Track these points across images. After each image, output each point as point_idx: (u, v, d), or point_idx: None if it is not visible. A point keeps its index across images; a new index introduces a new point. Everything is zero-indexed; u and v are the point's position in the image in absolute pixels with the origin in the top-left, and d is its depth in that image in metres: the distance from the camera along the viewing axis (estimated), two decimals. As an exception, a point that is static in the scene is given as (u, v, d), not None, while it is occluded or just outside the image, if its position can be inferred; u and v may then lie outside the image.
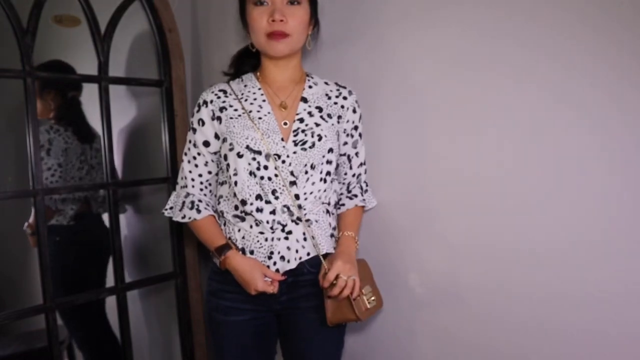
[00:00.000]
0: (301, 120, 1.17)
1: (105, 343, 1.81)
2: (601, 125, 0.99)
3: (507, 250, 1.13)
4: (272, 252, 1.15)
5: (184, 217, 1.25)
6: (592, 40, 0.98)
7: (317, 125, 1.17)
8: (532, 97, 1.07)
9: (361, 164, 1.30)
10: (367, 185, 1.32)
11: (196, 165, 1.26)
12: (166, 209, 1.33)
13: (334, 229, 1.24)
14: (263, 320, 1.21)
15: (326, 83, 1.26)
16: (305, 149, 1.13)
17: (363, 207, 1.30)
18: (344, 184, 1.31)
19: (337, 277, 1.09)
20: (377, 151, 1.33)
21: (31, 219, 1.57)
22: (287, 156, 1.13)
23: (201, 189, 1.28)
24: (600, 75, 0.98)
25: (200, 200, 1.26)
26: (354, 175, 1.30)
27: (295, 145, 1.14)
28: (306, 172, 1.14)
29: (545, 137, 1.06)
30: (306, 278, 1.17)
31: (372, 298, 1.19)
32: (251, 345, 1.22)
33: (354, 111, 1.25)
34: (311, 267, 1.17)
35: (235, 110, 1.17)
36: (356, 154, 1.28)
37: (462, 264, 1.21)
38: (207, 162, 1.25)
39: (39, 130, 1.58)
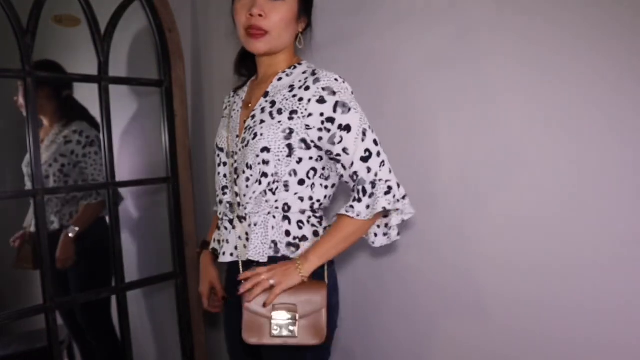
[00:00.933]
0: (253, 116, 1.12)
1: (113, 340, 1.81)
2: (595, 126, 1.00)
3: (504, 245, 1.14)
4: (221, 239, 1.19)
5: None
6: (587, 42, 0.99)
7: (261, 122, 1.09)
8: (527, 97, 1.08)
9: (353, 163, 1.05)
10: (373, 187, 1.05)
11: (220, 169, 1.31)
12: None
13: (295, 238, 1.10)
14: (237, 315, 1.13)
15: (304, 72, 1.12)
16: (244, 147, 1.11)
17: (352, 221, 1.06)
18: (348, 186, 1.11)
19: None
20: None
21: (28, 223, 1.57)
22: (236, 153, 1.14)
23: (223, 188, 1.32)
24: (596, 76, 0.99)
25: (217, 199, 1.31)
26: (350, 176, 1.07)
27: (242, 142, 1.13)
28: (244, 172, 1.10)
29: (545, 137, 1.06)
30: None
31: (291, 328, 1.02)
32: (236, 334, 1.19)
33: (321, 101, 1.04)
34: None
35: (229, 110, 1.24)
36: (343, 150, 1.05)
37: (467, 271, 1.22)
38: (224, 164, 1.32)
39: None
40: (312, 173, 1.10)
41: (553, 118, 1.05)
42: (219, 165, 1.19)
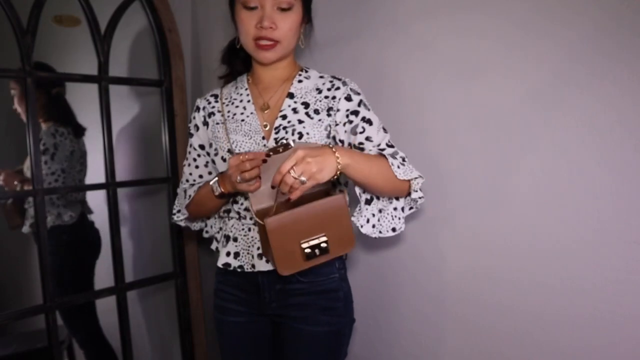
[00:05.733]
0: (284, 117, 1.11)
1: (96, 346, 1.80)
2: (594, 127, 0.99)
3: (507, 245, 1.14)
4: (255, 243, 1.12)
5: (185, 205, 1.22)
6: (586, 43, 0.99)
7: (300, 122, 1.10)
8: (529, 99, 1.08)
9: (380, 145, 1.11)
10: (404, 160, 1.10)
11: (197, 167, 1.25)
12: (174, 214, 1.28)
13: None
14: (257, 324, 1.18)
15: (321, 77, 1.18)
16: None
17: (386, 159, 1.06)
18: None
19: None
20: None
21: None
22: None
23: (200, 184, 1.25)
24: (595, 77, 0.99)
25: (192, 185, 1.25)
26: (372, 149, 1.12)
27: (276, 143, 1.09)
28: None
29: (544, 136, 1.06)
30: (296, 287, 1.11)
31: (324, 244, 0.98)
32: (246, 349, 1.19)
33: (348, 99, 1.12)
34: (301, 276, 1.10)
35: (222, 115, 1.17)
36: (367, 138, 1.10)
37: (464, 261, 1.22)
38: (207, 163, 1.24)
39: (44, 134, 1.57)
40: (345, 178, 1.14)
41: (567, 122, 1.05)
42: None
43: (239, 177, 0.98)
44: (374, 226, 1.11)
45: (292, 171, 0.92)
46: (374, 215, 1.11)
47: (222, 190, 1.10)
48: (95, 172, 1.63)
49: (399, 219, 1.12)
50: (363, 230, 1.10)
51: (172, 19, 1.71)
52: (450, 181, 1.22)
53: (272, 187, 0.97)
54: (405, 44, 1.27)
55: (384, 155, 1.06)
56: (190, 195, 1.21)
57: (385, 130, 1.12)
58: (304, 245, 0.97)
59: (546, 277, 1.08)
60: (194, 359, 1.79)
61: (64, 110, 1.67)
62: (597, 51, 0.98)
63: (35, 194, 1.39)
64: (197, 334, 1.80)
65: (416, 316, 1.31)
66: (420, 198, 1.11)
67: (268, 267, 1.10)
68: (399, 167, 1.05)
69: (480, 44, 1.14)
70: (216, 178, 1.11)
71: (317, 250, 0.98)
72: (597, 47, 0.98)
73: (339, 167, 0.97)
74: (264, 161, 0.97)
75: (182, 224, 1.30)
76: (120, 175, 1.66)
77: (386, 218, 1.11)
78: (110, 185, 1.58)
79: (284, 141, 1.05)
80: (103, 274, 1.77)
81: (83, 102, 1.67)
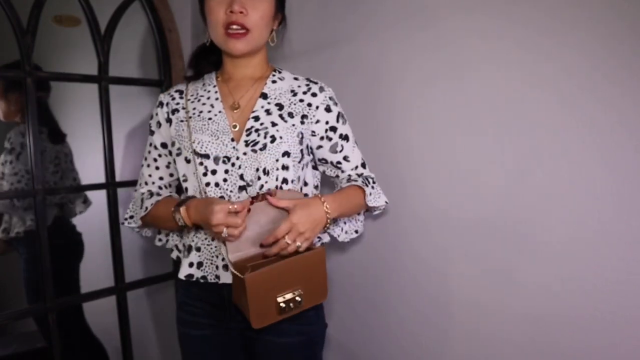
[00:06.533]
0: (256, 118, 1.05)
1: (86, 350, 1.79)
2: (594, 127, 0.99)
3: (507, 246, 1.14)
4: (219, 254, 1.05)
5: (140, 216, 1.13)
6: (587, 43, 0.99)
7: (273, 125, 1.04)
8: (529, 100, 1.07)
9: (357, 167, 1.15)
10: (374, 183, 1.15)
11: (157, 168, 1.18)
12: (126, 219, 1.19)
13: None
14: (224, 338, 1.10)
15: (296, 78, 1.13)
16: (255, 151, 1.02)
17: (363, 190, 1.10)
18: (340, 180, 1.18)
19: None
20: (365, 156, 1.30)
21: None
22: (237, 158, 1.02)
23: (160, 187, 1.18)
24: (595, 78, 0.99)
25: (150, 193, 1.16)
26: (357, 174, 1.16)
27: (247, 145, 1.02)
28: (259, 178, 1.02)
29: (544, 137, 1.06)
30: None
31: (298, 298, 0.97)
32: None
33: (328, 109, 1.09)
34: None
35: (187, 112, 1.10)
36: (344, 158, 1.12)
37: (464, 262, 1.21)
38: (169, 164, 1.17)
39: (13, 132, 1.51)
40: (316, 181, 1.16)
41: (567, 120, 1.05)
42: (206, 174, 1.03)
43: (226, 233, 0.94)
44: (346, 232, 1.19)
45: (286, 236, 0.95)
46: (345, 223, 1.19)
47: (188, 224, 1.03)
48: (95, 172, 1.63)
49: (360, 222, 1.21)
50: (340, 239, 1.18)
51: (172, 19, 1.71)
52: (450, 182, 1.22)
53: (261, 246, 0.97)
54: (405, 44, 1.27)
55: (361, 187, 1.11)
56: (147, 208, 1.11)
57: (356, 142, 1.17)
58: (279, 300, 0.95)
59: (546, 277, 1.08)
60: (194, 359, 1.79)
61: (43, 114, 1.63)
62: (598, 51, 0.98)
63: (35, 194, 1.39)
64: (197, 334, 1.80)
65: (416, 317, 1.31)
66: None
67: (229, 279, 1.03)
68: (370, 194, 1.12)
69: (480, 44, 1.14)
70: (180, 209, 1.03)
71: (291, 304, 0.96)
72: (598, 48, 0.98)
73: (328, 221, 1.01)
74: (248, 210, 0.96)
75: (134, 230, 1.22)
76: (121, 175, 1.66)
77: (352, 222, 1.20)
78: (110, 185, 1.58)
79: (265, 190, 1.02)
80: (103, 274, 1.77)
81: (82, 102, 1.67)
